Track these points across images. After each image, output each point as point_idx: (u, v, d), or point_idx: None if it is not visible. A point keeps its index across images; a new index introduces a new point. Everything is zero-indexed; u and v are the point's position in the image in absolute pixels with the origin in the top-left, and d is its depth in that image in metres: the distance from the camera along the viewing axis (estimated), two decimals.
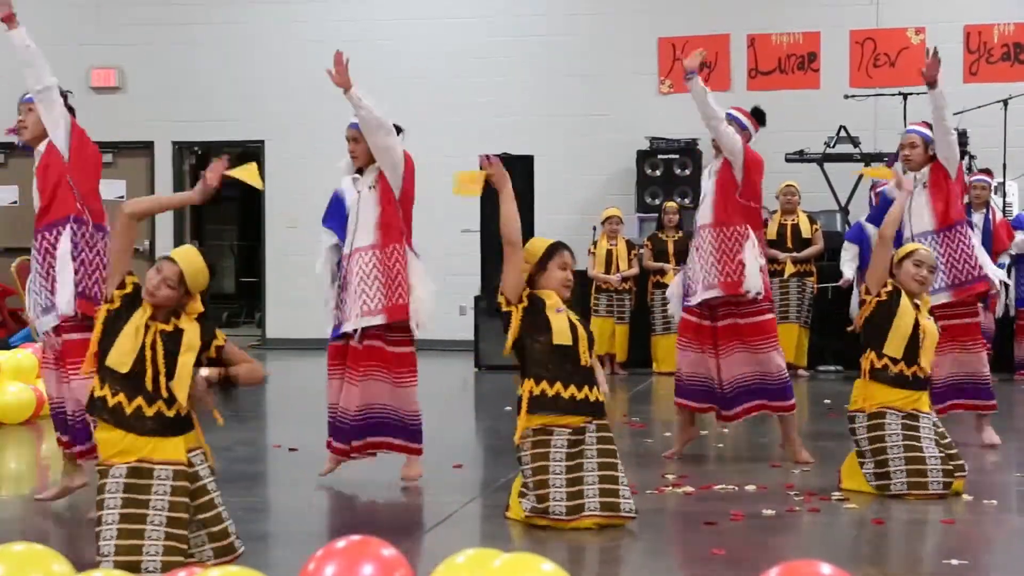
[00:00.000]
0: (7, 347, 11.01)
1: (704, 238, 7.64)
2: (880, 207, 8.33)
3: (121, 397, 4.94)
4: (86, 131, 6.36)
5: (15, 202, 16.39)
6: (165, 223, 16.20)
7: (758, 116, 7.75)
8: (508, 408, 9.25)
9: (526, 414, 5.81)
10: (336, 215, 7.11)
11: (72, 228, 6.13)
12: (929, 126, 8.23)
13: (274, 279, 15.99)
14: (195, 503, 4.96)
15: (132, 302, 5.00)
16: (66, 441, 6.28)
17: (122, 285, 5.03)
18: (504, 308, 5.90)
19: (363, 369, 6.77)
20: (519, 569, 3.09)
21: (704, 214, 7.69)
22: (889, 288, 6.59)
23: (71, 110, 6.41)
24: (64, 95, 6.38)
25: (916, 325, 6.56)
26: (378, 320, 6.78)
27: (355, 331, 6.78)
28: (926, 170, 8.02)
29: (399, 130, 6.97)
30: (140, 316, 4.96)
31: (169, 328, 4.97)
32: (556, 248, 5.98)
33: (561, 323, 5.82)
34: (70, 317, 6.10)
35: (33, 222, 6.38)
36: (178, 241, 16.21)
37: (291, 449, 7.96)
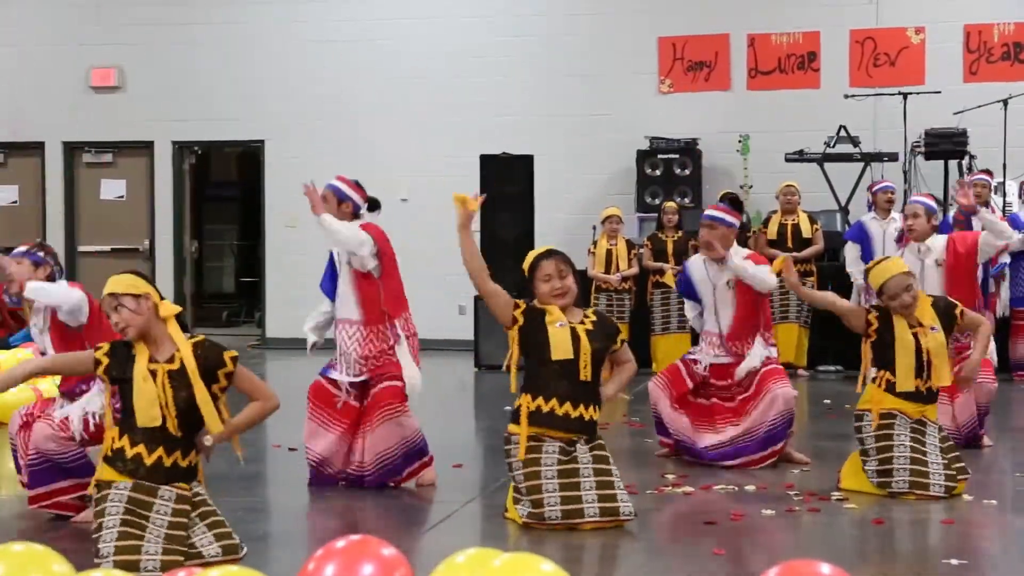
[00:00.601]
0: (7, 347, 11.00)
1: (722, 344, 7.56)
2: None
3: (141, 448, 4.98)
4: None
5: (15, 202, 16.39)
6: (164, 223, 16.19)
7: (735, 205, 7.78)
8: (508, 408, 9.24)
9: (527, 426, 5.81)
10: (332, 278, 7.12)
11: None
12: (933, 197, 8.32)
13: (274, 279, 15.98)
14: (196, 512, 5.06)
15: (121, 363, 4.99)
16: (26, 483, 6.24)
17: (97, 363, 5.03)
18: (506, 332, 5.90)
19: (373, 419, 6.78)
20: (519, 569, 3.09)
21: (723, 328, 7.55)
22: (875, 325, 6.57)
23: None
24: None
25: (917, 346, 6.51)
26: (363, 378, 6.87)
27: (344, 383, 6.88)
28: (940, 247, 7.91)
29: (376, 205, 7.07)
30: (139, 364, 4.98)
31: (175, 366, 5.01)
32: (537, 261, 5.92)
33: (561, 337, 5.79)
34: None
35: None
36: (177, 240, 16.22)
37: (291, 449, 7.95)
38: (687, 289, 7.77)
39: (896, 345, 6.49)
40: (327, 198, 6.99)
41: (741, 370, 7.46)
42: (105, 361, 5.02)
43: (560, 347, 5.78)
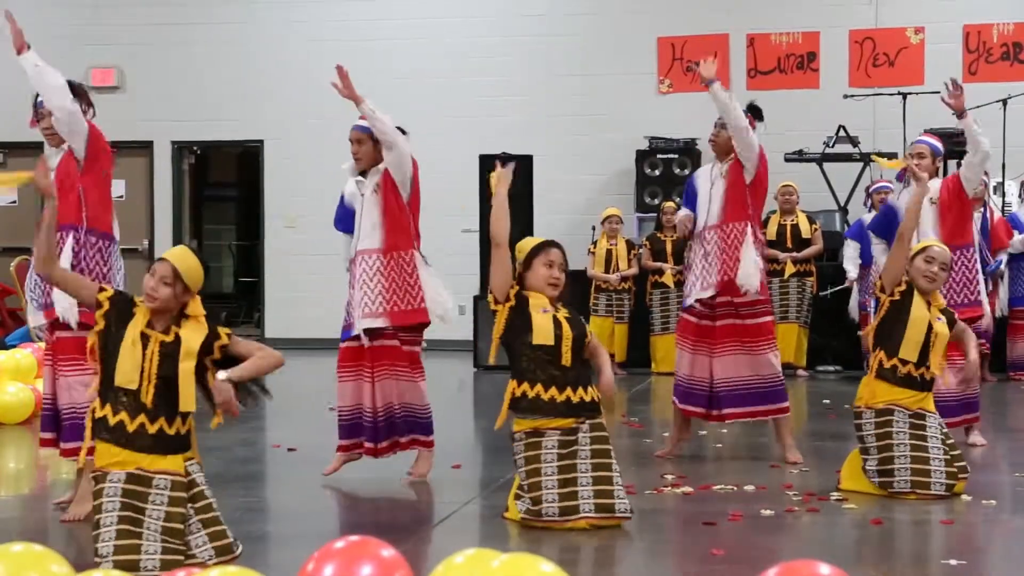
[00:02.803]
0: (5, 347, 11.00)
1: (708, 239, 7.58)
2: (882, 214, 8.31)
3: (124, 415, 4.93)
4: (101, 132, 6.38)
5: (14, 202, 16.40)
6: (164, 223, 16.20)
7: (755, 112, 7.69)
8: None
9: (507, 410, 5.84)
10: (345, 217, 7.16)
11: (75, 236, 6.12)
12: (938, 136, 8.27)
13: (273, 279, 15.98)
14: (194, 506, 4.98)
15: (119, 317, 4.96)
16: (49, 439, 6.22)
17: (98, 304, 4.99)
18: (492, 307, 5.91)
19: (381, 369, 6.83)
20: (518, 569, 3.09)
21: (712, 215, 7.59)
22: (903, 287, 6.57)
23: (90, 104, 6.42)
24: (82, 94, 6.41)
25: (928, 327, 6.53)
26: (380, 323, 6.83)
27: (362, 333, 6.84)
28: (937, 186, 7.96)
29: (403, 131, 7.00)
30: (134, 328, 4.93)
31: (169, 338, 4.96)
32: (542, 246, 5.95)
33: (544, 323, 5.80)
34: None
35: (33, 223, 6.38)
36: (176, 240, 16.21)
37: (290, 449, 7.96)
38: (689, 196, 7.85)
39: (910, 317, 6.50)
40: (361, 140, 6.96)
41: (741, 283, 7.44)
42: (106, 305, 4.96)
43: (542, 332, 5.79)
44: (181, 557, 4.85)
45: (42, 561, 3.23)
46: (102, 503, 4.89)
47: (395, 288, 6.83)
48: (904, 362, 6.50)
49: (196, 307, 5.04)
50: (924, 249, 6.63)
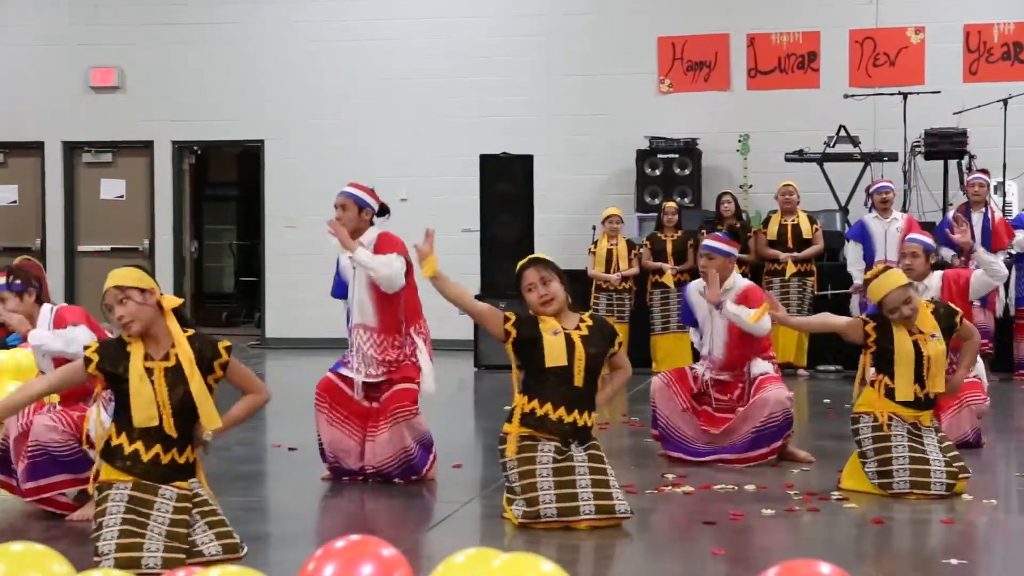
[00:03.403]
0: (5, 347, 10.99)
1: (719, 368, 7.59)
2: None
3: (139, 445, 4.97)
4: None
5: (14, 202, 16.39)
6: (164, 223, 16.20)
7: (735, 236, 7.72)
8: (507, 408, 9.24)
9: (518, 426, 5.82)
10: (340, 285, 7.13)
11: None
12: (932, 235, 8.40)
13: (273, 279, 15.98)
14: (198, 510, 5.03)
15: (115, 361, 4.97)
16: (4, 480, 6.24)
17: (87, 362, 4.98)
18: (505, 345, 5.91)
19: (376, 425, 6.83)
20: (518, 569, 3.08)
21: (715, 356, 7.57)
22: (874, 336, 6.53)
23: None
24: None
25: (919, 353, 6.48)
26: (380, 379, 6.90)
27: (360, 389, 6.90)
28: (937, 282, 7.97)
29: (386, 210, 6.98)
30: (135, 364, 4.96)
31: (171, 363, 4.99)
32: (519, 273, 5.95)
33: (555, 345, 5.80)
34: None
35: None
36: (177, 240, 16.22)
37: (291, 449, 7.96)
38: (687, 315, 7.82)
39: (896, 355, 6.46)
40: (346, 206, 6.87)
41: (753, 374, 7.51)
42: (95, 359, 4.98)
43: (554, 354, 5.79)
44: (183, 556, 4.86)
45: (42, 560, 3.23)
46: (106, 508, 4.92)
47: (392, 361, 6.89)
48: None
49: (170, 300, 5.09)
50: (882, 303, 6.50)
